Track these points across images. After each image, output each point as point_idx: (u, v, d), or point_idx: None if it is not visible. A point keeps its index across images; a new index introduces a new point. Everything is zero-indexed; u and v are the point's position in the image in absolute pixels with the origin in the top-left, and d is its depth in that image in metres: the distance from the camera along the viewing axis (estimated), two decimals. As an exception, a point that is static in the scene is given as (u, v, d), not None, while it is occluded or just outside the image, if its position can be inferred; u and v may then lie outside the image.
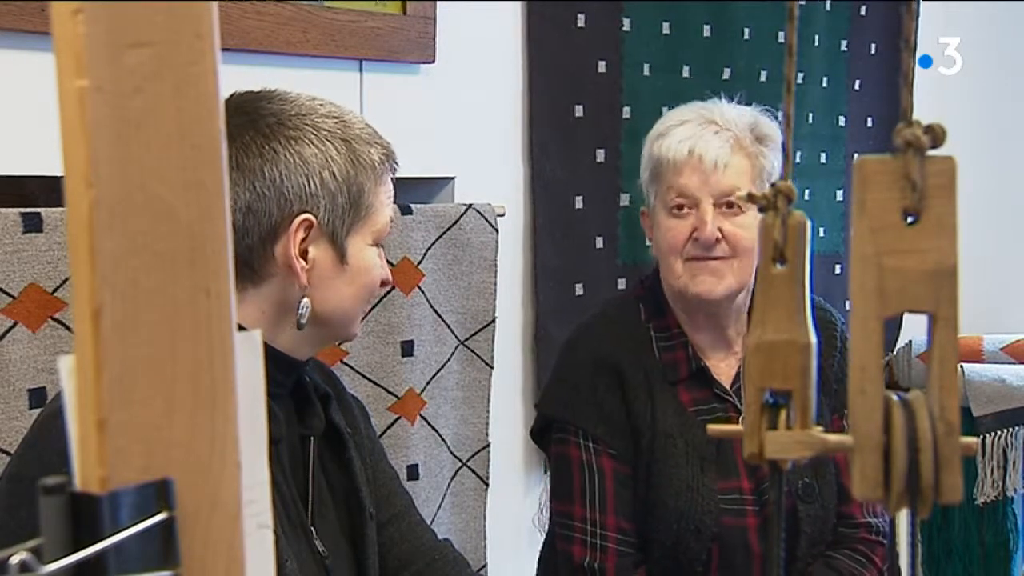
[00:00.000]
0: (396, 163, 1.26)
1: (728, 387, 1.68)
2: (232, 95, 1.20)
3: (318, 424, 1.28)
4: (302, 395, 1.27)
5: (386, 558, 1.37)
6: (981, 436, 2.81)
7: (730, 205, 1.60)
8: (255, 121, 1.16)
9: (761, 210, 0.58)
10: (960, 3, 3.12)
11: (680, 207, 1.63)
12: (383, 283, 1.26)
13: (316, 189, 1.15)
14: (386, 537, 1.38)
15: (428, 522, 1.94)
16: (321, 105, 1.21)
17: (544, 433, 1.75)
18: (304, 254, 1.16)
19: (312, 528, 1.24)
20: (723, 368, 1.71)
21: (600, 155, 2.30)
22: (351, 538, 1.31)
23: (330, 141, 1.17)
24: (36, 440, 1.11)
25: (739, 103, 1.72)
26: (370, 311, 1.87)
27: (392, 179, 1.26)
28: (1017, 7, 3.24)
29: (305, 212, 1.15)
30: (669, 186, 1.64)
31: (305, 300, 1.17)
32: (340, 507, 1.31)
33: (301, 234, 1.15)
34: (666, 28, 2.39)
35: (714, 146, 1.60)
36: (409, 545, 1.40)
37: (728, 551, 1.61)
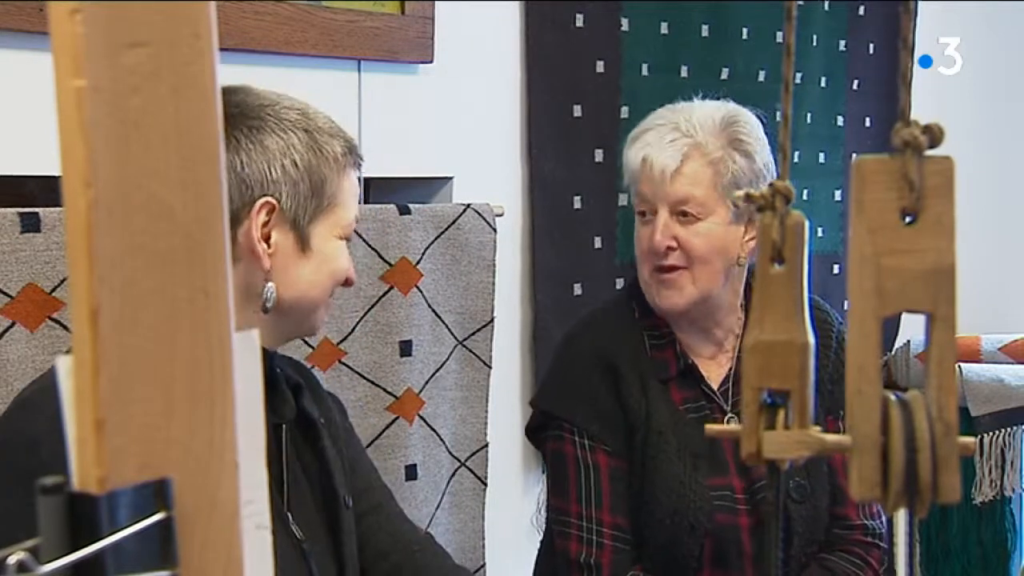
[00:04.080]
0: (360, 158, 1.27)
1: (716, 387, 1.69)
2: None
3: (288, 411, 1.28)
4: (271, 383, 1.27)
5: (365, 548, 1.38)
6: (979, 436, 2.81)
7: (684, 214, 1.60)
8: None
9: (759, 210, 0.58)
10: (960, 3, 3.12)
11: (643, 213, 1.64)
12: (347, 281, 1.27)
13: (277, 176, 1.17)
14: (364, 528, 1.38)
15: (426, 522, 1.95)
16: (287, 99, 1.23)
17: (539, 430, 1.75)
18: (267, 238, 1.18)
19: (288, 514, 1.25)
20: (712, 366, 1.71)
21: (599, 155, 2.30)
22: (328, 526, 1.32)
23: (292, 131, 1.19)
24: (1, 429, 1.12)
25: (727, 100, 1.70)
26: (368, 311, 1.87)
27: (357, 175, 1.27)
28: (1017, 7, 3.25)
29: (266, 196, 1.17)
30: (635, 192, 1.67)
31: (270, 284, 1.18)
32: (316, 495, 1.32)
33: (263, 217, 1.16)
34: (664, 28, 2.39)
35: (664, 155, 1.59)
36: (388, 536, 1.40)
37: (721, 548, 1.61)
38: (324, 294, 1.25)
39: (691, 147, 1.59)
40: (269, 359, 1.26)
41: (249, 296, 1.19)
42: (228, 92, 1.20)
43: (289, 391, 1.29)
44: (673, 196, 1.59)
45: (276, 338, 1.26)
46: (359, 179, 1.28)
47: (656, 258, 1.62)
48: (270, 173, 1.17)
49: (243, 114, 1.18)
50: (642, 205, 1.65)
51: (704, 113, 1.63)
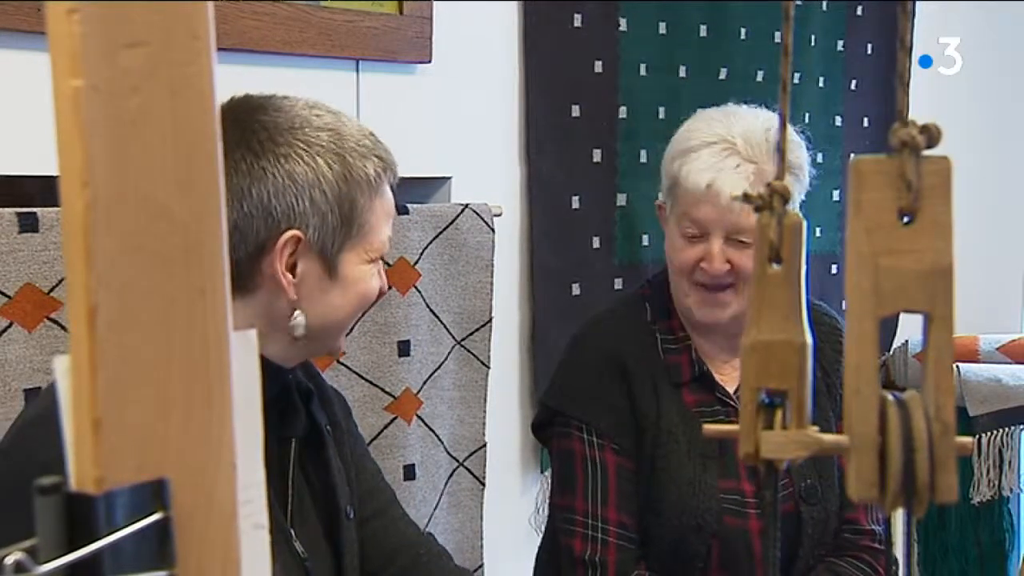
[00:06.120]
0: (395, 174, 1.22)
1: (732, 392, 1.68)
2: (232, 101, 1.16)
3: (299, 425, 1.26)
4: (287, 399, 1.25)
5: (370, 554, 1.37)
6: (977, 436, 2.81)
7: (740, 241, 1.57)
8: (247, 138, 1.13)
9: (757, 210, 0.58)
10: (960, 3, 3.12)
11: (692, 235, 1.61)
12: (379, 294, 1.24)
13: (305, 207, 1.13)
14: (369, 533, 1.37)
15: (424, 522, 1.95)
16: (317, 116, 1.17)
17: (546, 427, 1.75)
18: (292, 268, 1.14)
19: (291, 531, 1.24)
20: (728, 371, 1.70)
21: (597, 155, 2.30)
22: (330, 538, 1.30)
23: (322, 156, 1.14)
24: (12, 449, 1.10)
25: (768, 110, 1.66)
26: (366, 311, 1.86)
27: (392, 189, 1.23)
28: (1017, 7, 3.25)
29: (292, 229, 1.13)
30: (684, 212, 1.61)
31: (298, 313, 1.16)
32: (320, 507, 1.30)
33: (288, 249, 1.13)
34: (663, 28, 2.39)
35: (732, 183, 1.55)
36: (393, 541, 1.39)
37: (729, 550, 1.61)
38: (350, 317, 1.22)
39: (755, 175, 1.56)
40: (286, 374, 1.24)
41: (273, 323, 1.17)
42: (257, 110, 1.15)
43: (301, 402, 1.28)
44: (738, 226, 1.57)
45: (301, 357, 1.24)
46: (393, 190, 1.23)
47: (710, 279, 1.60)
48: (297, 205, 1.12)
49: (271, 139, 1.13)
50: (693, 227, 1.60)
51: (756, 131, 1.59)
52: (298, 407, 1.26)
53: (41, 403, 1.16)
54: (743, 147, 1.58)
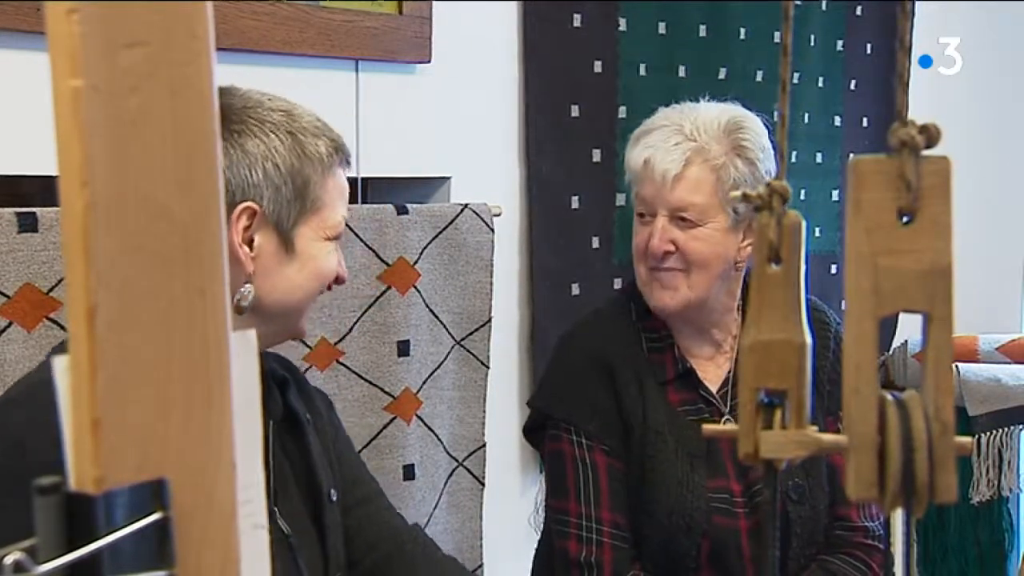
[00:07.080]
0: (347, 156, 1.26)
1: (715, 390, 1.69)
2: None
3: (275, 408, 1.28)
4: (261, 383, 1.27)
5: (355, 541, 1.38)
6: (976, 436, 2.81)
7: (683, 219, 1.60)
8: None
9: (756, 210, 0.58)
10: (960, 3, 3.12)
11: (642, 214, 1.65)
12: (338, 279, 1.26)
13: (259, 180, 1.16)
14: (353, 520, 1.38)
15: (424, 522, 1.95)
16: (270, 99, 1.21)
17: (537, 430, 1.75)
18: (250, 242, 1.17)
19: (275, 509, 1.25)
20: (711, 369, 1.71)
21: (596, 155, 2.30)
22: (313, 520, 1.32)
23: (274, 133, 1.18)
24: None
25: (732, 102, 1.69)
26: (366, 311, 1.87)
27: (346, 173, 1.26)
28: (1017, 7, 3.25)
29: (247, 201, 1.16)
30: (636, 192, 1.67)
31: (248, 286, 1.17)
32: (302, 490, 1.32)
33: (244, 222, 1.16)
34: (662, 28, 2.39)
35: (667, 159, 1.58)
36: (378, 529, 1.40)
37: (719, 549, 1.61)
38: (309, 296, 1.24)
39: (694, 152, 1.59)
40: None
41: (236, 301, 1.18)
42: None
43: (276, 387, 1.30)
44: (673, 202, 1.59)
45: (265, 343, 1.25)
46: (353, 177, 1.27)
47: (653, 260, 1.62)
48: (251, 177, 1.16)
49: (225, 117, 1.16)
50: (641, 207, 1.65)
51: (708, 116, 1.62)
52: (272, 390, 1.28)
53: (15, 387, 1.17)
54: (688, 128, 1.61)
